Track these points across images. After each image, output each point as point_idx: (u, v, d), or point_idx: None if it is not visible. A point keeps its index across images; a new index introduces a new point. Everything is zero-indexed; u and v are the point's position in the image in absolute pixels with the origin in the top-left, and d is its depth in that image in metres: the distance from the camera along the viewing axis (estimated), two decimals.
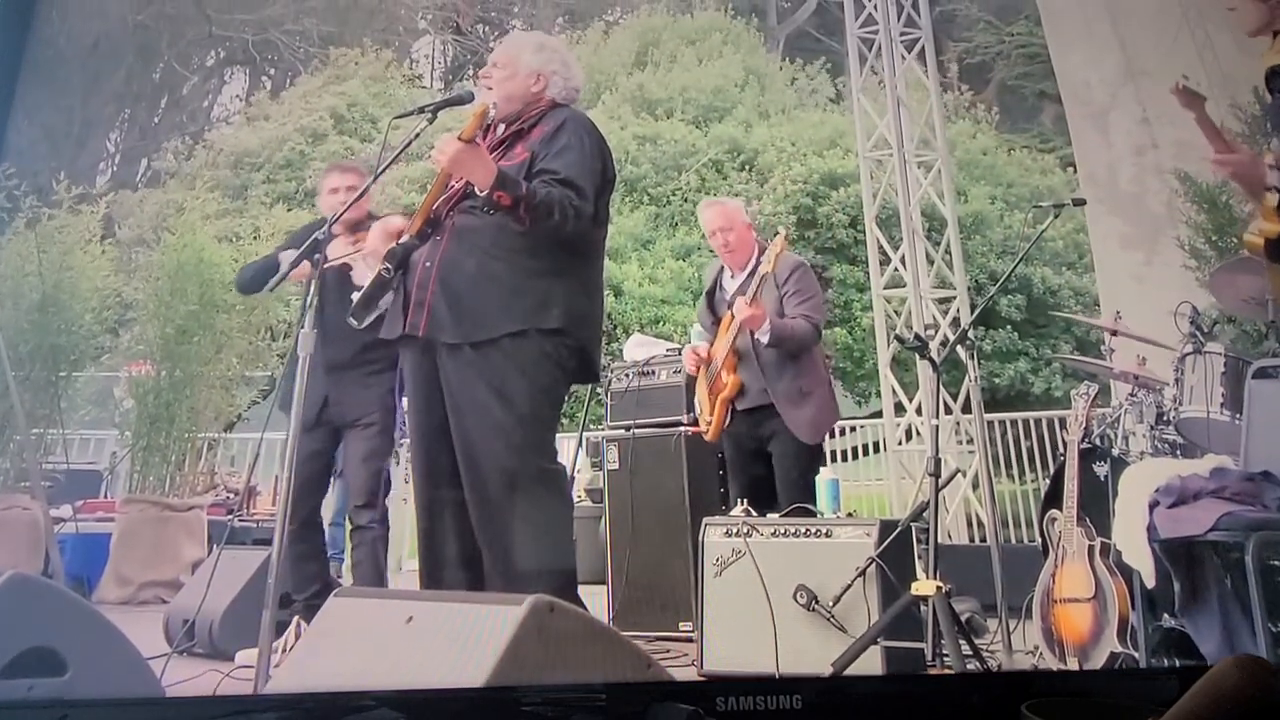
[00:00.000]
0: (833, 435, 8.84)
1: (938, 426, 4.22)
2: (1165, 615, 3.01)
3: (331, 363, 3.65)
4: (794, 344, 3.79)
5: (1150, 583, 2.86)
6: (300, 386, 2.54)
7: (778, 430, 3.79)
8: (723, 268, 4.08)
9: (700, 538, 3.32)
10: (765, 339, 3.74)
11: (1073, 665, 3.02)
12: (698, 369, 4.00)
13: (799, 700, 2.03)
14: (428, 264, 2.82)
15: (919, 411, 6.95)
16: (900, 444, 7.04)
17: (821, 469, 3.53)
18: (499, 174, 2.68)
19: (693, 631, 3.65)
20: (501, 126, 2.98)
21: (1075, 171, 9.48)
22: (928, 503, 3.11)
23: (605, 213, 2.97)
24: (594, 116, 3.09)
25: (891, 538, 3.07)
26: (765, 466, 3.87)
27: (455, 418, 2.76)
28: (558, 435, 3.03)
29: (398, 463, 7.41)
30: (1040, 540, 3.42)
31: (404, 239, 2.87)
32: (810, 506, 3.34)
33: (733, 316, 3.86)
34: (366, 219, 3.74)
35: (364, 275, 3.44)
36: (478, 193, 2.72)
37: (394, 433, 3.75)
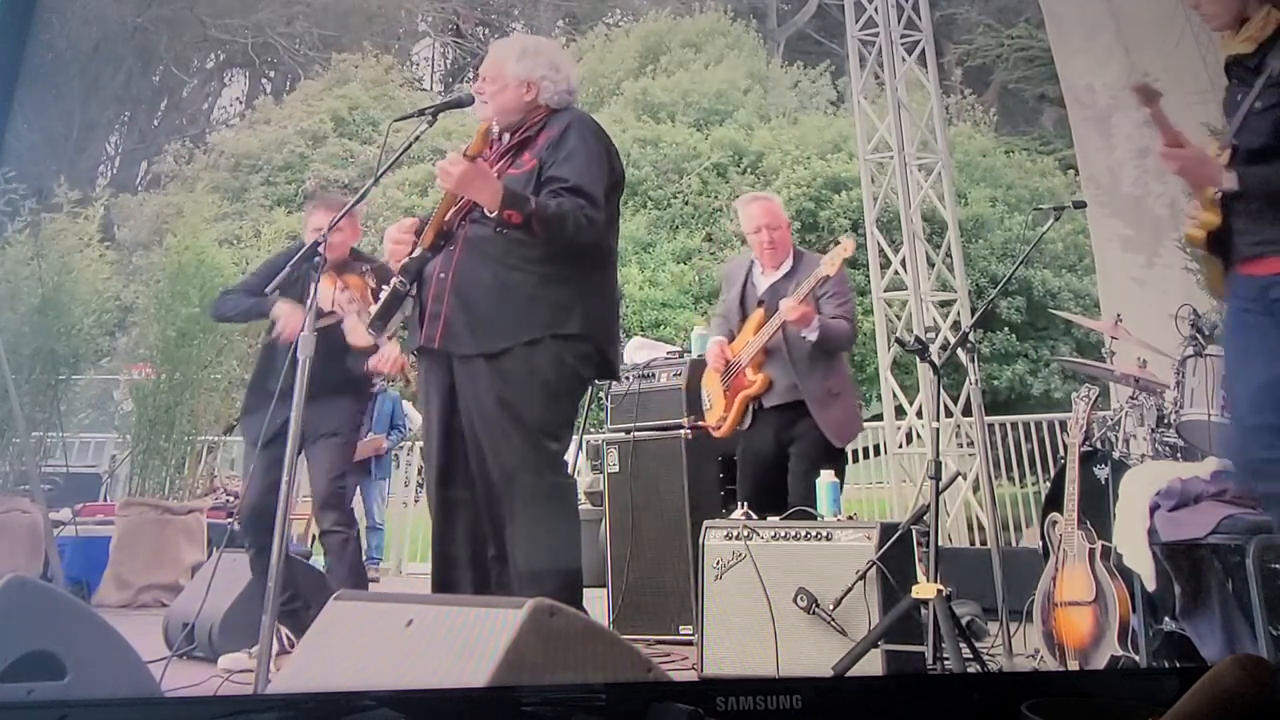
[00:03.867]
0: None
1: (938, 429, 4.23)
2: (1166, 618, 3.02)
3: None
4: (836, 343, 3.80)
5: (1151, 586, 2.86)
6: (300, 389, 2.54)
7: (805, 431, 3.76)
8: (752, 264, 4.05)
9: (700, 541, 3.31)
10: (813, 337, 3.70)
11: (1073, 668, 3.01)
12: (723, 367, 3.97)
13: (799, 700, 2.03)
14: (442, 275, 2.81)
15: (919, 414, 6.95)
16: (901, 447, 7.04)
17: (823, 471, 3.51)
18: (506, 192, 2.67)
19: (693, 635, 3.64)
20: (507, 135, 2.96)
21: (1075, 174, 9.49)
22: (928, 505, 3.11)
23: (616, 213, 2.97)
24: (597, 120, 3.07)
25: (892, 541, 3.06)
26: (781, 469, 3.84)
27: (469, 427, 2.76)
28: None
29: (397, 466, 7.45)
30: (1041, 543, 3.42)
31: (417, 252, 2.87)
32: (811, 509, 3.33)
33: (764, 314, 3.85)
34: (350, 259, 3.71)
35: (356, 330, 3.44)
36: (487, 214, 2.71)
37: (356, 444, 3.72)
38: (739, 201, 4.22)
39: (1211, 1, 2.64)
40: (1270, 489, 2.45)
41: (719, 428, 3.97)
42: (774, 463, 3.85)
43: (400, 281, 2.84)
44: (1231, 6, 2.60)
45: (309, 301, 2.65)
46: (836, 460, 3.76)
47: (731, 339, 4.00)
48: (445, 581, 2.84)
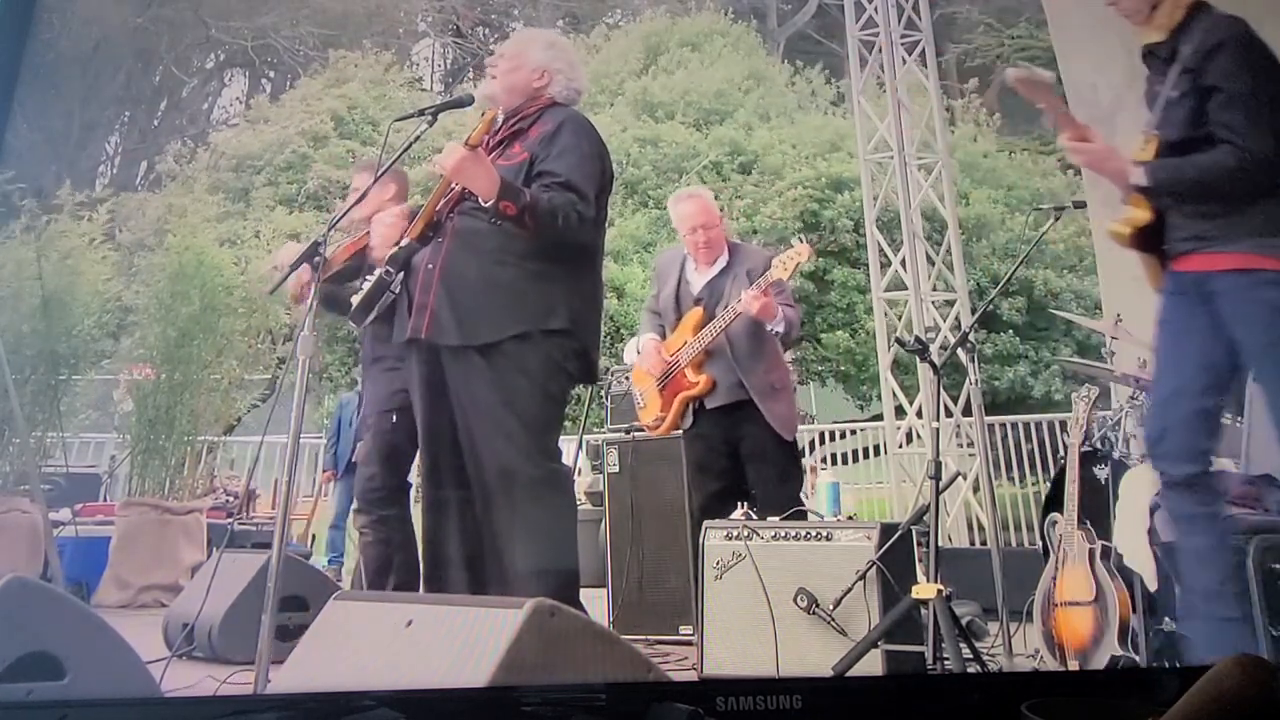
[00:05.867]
0: (833, 438, 8.86)
1: (938, 429, 4.22)
2: (1166, 618, 3.01)
3: (365, 359, 3.71)
4: (795, 332, 3.78)
5: (1151, 586, 2.86)
6: (300, 388, 2.54)
7: (754, 428, 3.72)
8: (685, 259, 3.96)
9: (700, 541, 3.31)
10: (780, 329, 3.67)
11: (1073, 668, 3.01)
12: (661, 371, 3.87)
13: (799, 700, 2.03)
14: (429, 266, 2.82)
15: (919, 414, 6.94)
16: (901, 447, 7.03)
17: (821, 472, 3.51)
18: (502, 183, 2.67)
19: (693, 635, 3.64)
20: (500, 123, 2.98)
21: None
22: (928, 506, 3.11)
23: (605, 213, 2.98)
24: (598, 120, 3.09)
25: (892, 541, 3.06)
26: (736, 469, 3.80)
27: (461, 420, 2.77)
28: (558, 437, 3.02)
29: None
30: (1041, 543, 3.42)
31: (405, 242, 2.87)
32: (809, 509, 3.32)
33: (703, 313, 3.80)
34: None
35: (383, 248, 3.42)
36: (482, 203, 2.71)
37: (392, 435, 3.62)
38: (670, 200, 4.14)
39: None
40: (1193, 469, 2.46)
41: (656, 426, 3.92)
42: (724, 467, 3.81)
43: (386, 271, 2.84)
44: None
45: (309, 302, 2.64)
46: (791, 456, 3.76)
47: (664, 337, 3.94)
48: (437, 579, 2.85)
